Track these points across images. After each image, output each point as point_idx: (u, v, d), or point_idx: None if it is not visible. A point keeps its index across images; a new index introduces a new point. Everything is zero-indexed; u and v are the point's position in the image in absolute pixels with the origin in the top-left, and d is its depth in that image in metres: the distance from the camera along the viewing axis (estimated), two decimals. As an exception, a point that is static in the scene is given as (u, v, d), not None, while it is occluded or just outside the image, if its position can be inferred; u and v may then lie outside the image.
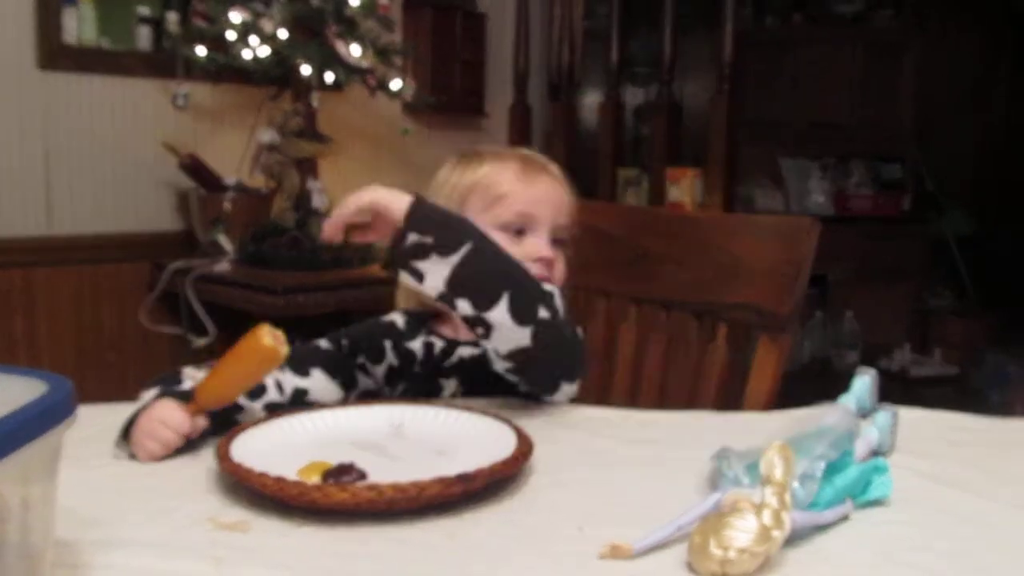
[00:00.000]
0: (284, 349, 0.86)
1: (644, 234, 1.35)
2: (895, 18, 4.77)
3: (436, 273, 0.89)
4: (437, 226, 0.89)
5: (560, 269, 1.10)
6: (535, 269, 1.06)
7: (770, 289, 1.19)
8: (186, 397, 0.87)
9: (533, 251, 1.08)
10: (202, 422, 0.87)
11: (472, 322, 0.91)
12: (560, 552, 0.66)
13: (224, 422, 0.92)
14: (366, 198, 0.91)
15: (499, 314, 0.89)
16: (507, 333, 0.91)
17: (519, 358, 0.94)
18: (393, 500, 0.70)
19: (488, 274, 0.90)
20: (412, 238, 0.88)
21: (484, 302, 0.89)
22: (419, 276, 0.89)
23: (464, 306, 0.90)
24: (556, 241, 1.11)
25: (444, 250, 0.88)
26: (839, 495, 0.72)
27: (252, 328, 0.86)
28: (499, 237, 1.06)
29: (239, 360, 0.87)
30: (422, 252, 0.88)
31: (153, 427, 0.84)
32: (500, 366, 1.00)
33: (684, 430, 0.98)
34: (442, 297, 0.90)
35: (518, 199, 1.09)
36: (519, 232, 1.09)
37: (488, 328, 0.91)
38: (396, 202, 0.90)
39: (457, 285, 0.89)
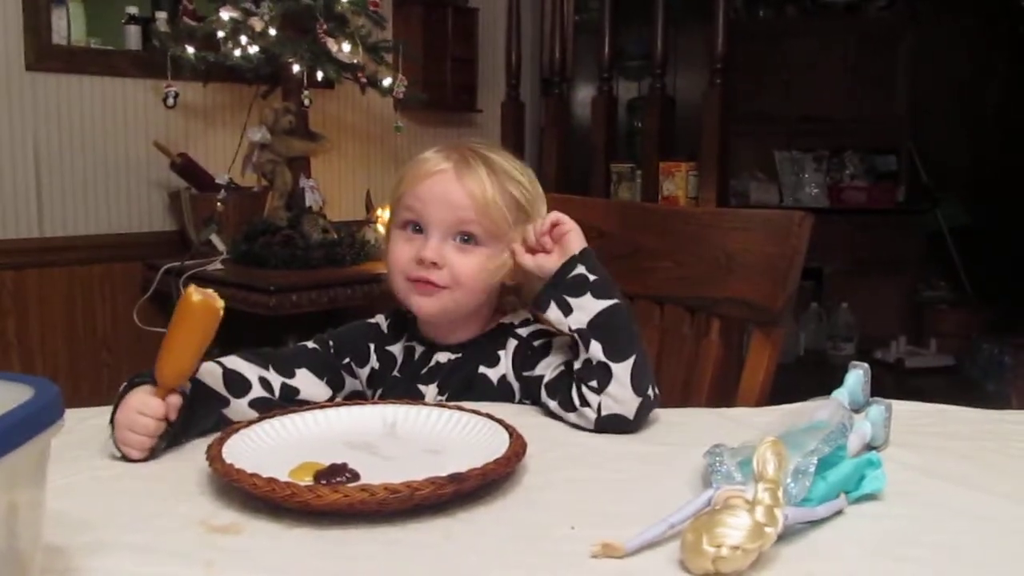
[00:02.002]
0: (218, 302, 0.86)
1: (637, 229, 1.34)
2: (888, 8, 4.76)
3: (583, 311, 0.96)
4: (600, 271, 0.98)
5: (463, 269, 1.04)
6: (411, 270, 1.05)
7: (763, 283, 1.19)
8: (153, 381, 0.87)
9: (414, 251, 1.05)
10: (175, 400, 0.87)
11: (596, 368, 0.94)
12: (552, 551, 0.66)
13: (208, 415, 0.92)
14: (558, 216, 1.01)
15: (622, 370, 0.93)
16: (620, 392, 0.93)
17: (614, 423, 0.94)
18: (385, 501, 0.69)
19: (625, 331, 0.96)
20: (579, 270, 0.98)
21: (615, 353, 0.94)
22: (567, 309, 0.97)
23: (596, 349, 0.94)
24: (463, 239, 1.05)
25: (599, 292, 0.97)
26: (832, 490, 0.71)
27: (182, 294, 0.87)
28: (397, 236, 1.08)
29: (179, 327, 0.86)
30: (580, 288, 0.97)
31: (131, 419, 0.84)
32: (573, 419, 0.97)
33: (676, 427, 0.97)
34: (580, 333, 0.96)
35: (409, 198, 1.07)
36: (417, 231, 1.06)
37: (607, 378, 0.93)
38: (577, 235, 1.00)
39: (598, 328, 0.95)
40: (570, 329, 0.97)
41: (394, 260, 1.07)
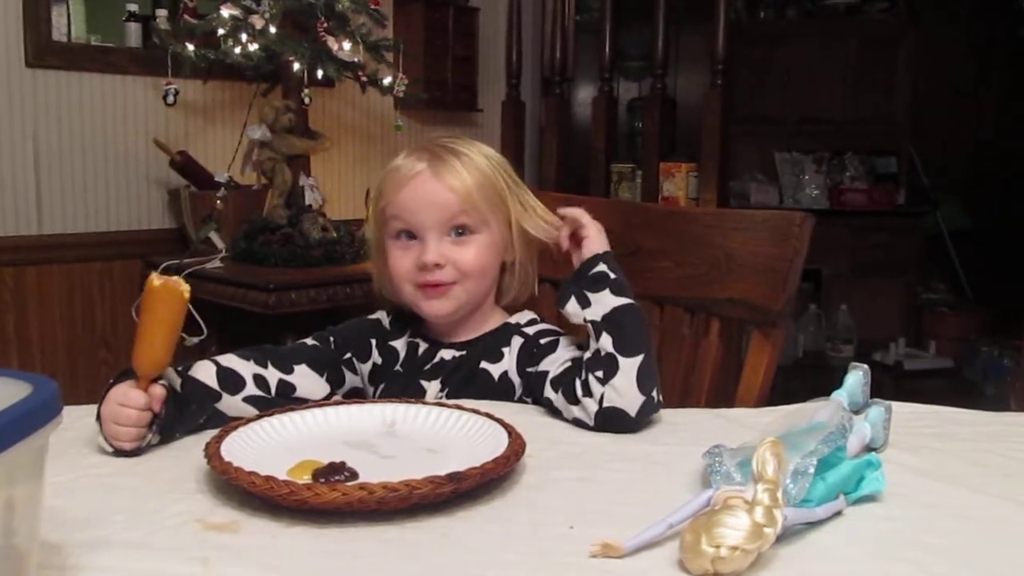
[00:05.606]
0: (182, 286, 0.86)
1: (637, 229, 1.34)
2: (888, 11, 4.76)
3: (600, 304, 0.99)
4: (619, 272, 1.02)
5: (466, 260, 1.07)
6: (416, 276, 1.06)
7: (763, 284, 1.19)
8: (133, 375, 0.88)
9: (414, 258, 1.07)
10: (158, 391, 0.87)
11: (604, 359, 0.95)
12: (551, 551, 0.65)
13: (200, 410, 0.93)
14: (579, 215, 1.06)
15: (629, 365, 0.94)
16: (624, 385, 0.93)
17: (615, 418, 0.94)
18: (384, 499, 0.69)
19: (636, 330, 0.97)
20: (601, 267, 1.02)
21: (624, 348, 0.95)
22: (586, 303, 1.00)
23: (607, 342, 0.96)
24: (458, 233, 1.07)
25: (617, 290, 1.00)
26: (831, 491, 0.71)
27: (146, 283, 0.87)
28: (392, 247, 1.09)
29: (147, 315, 0.86)
30: (599, 284, 1.00)
31: (115, 411, 0.85)
32: (575, 412, 0.96)
33: (675, 427, 0.97)
34: (593, 325, 0.98)
35: (395, 207, 1.08)
36: (412, 237, 1.08)
37: (614, 370, 0.94)
38: (596, 234, 1.05)
39: (611, 322, 0.97)
40: (585, 320, 0.99)
41: (396, 271, 1.09)
